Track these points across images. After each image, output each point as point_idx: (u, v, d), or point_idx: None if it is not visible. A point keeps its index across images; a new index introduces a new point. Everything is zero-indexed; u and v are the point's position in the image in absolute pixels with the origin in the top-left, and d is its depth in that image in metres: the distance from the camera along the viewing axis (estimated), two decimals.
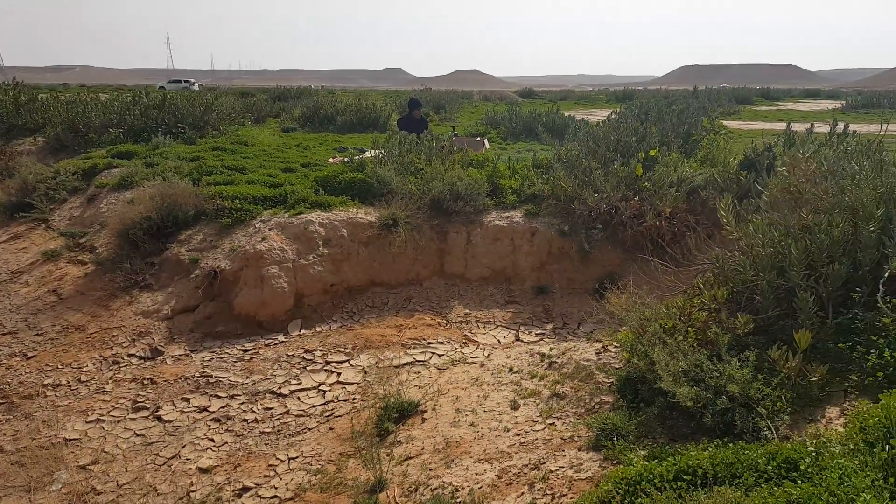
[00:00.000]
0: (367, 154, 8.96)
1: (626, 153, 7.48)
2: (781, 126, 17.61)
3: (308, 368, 5.33)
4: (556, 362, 4.16)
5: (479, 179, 7.37)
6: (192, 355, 5.73)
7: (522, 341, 5.82)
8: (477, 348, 5.62)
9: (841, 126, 7.52)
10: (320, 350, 5.65)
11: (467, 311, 6.42)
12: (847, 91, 51.50)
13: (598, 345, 4.09)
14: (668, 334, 3.39)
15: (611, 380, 3.59)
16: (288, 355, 5.59)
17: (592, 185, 6.86)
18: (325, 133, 15.61)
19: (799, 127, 8.11)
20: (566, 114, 16.63)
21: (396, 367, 5.26)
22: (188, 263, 6.73)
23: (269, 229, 6.76)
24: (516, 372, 4.31)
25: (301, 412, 4.59)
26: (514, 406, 3.74)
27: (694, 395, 2.88)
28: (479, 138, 13.12)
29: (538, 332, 6.03)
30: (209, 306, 6.33)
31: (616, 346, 3.98)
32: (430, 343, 5.73)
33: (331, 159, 10.09)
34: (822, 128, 8.91)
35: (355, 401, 4.66)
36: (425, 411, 4.02)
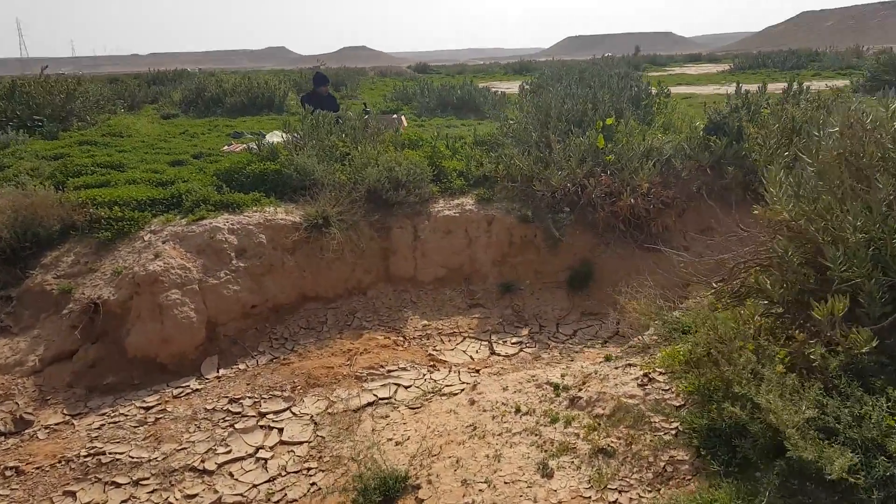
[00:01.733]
0: (275, 139, 7.56)
1: (581, 124, 6.61)
2: (704, 90, 17.66)
3: (237, 426, 4.06)
4: (579, 397, 3.19)
5: (419, 163, 6.24)
6: (75, 422, 4.28)
7: (500, 354, 4.83)
8: (450, 372, 4.56)
9: (796, 85, 7.05)
10: (250, 397, 4.37)
11: (425, 321, 5.34)
12: (721, 54, 54.13)
13: (636, 371, 3.17)
14: (758, 360, 2.50)
15: (674, 425, 2.68)
16: (207, 409, 4.27)
17: (554, 161, 5.93)
18: (213, 118, 13.75)
19: (706, 90, 7.56)
20: (481, 85, 15.70)
21: (355, 410, 4.10)
22: (58, 295, 5.16)
23: (164, 242, 5.31)
24: (526, 413, 3.30)
25: (238, 499, 3.35)
26: (545, 471, 2.74)
27: (847, 461, 1.99)
28: (394, 115, 11.90)
29: (514, 340, 5.06)
30: (92, 350, 4.84)
31: (661, 372, 3.08)
32: (389, 371, 4.61)
33: (226, 147, 8.57)
34: (733, 89, 8.45)
35: (311, 472, 3.47)
36: (419, 487, 2.93)
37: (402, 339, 5.11)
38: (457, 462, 3.07)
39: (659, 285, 4.92)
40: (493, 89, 16.01)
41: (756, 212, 3.36)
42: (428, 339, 5.10)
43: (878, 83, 14.29)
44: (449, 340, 5.09)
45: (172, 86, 18.95)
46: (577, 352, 4.72)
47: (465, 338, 5.13)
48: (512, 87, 20.91)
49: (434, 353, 4.89)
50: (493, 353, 4.88)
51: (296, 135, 6.92)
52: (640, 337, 3.71)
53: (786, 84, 6.83)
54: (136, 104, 15.90)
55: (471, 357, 4.83)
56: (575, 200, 5.75)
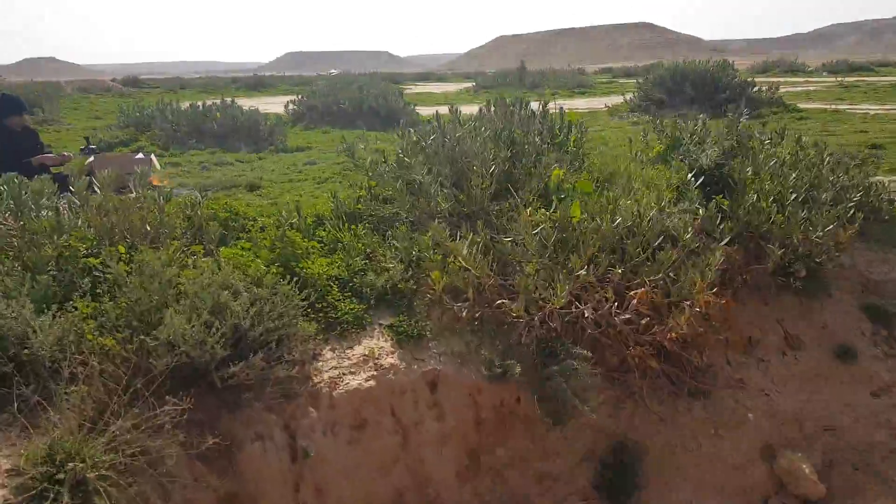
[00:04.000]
0: None
1: (513, 183, 4.11)
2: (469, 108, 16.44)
3: None
4: None
5: (264, 276, 3.07)
6: None
7: None
8: None
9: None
10: None
11: None
12: (441, 72, 56.48)
13: None
14: None
15: None
16: None
17: (523, 254, 3.31)
18: None
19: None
20: (247, 105, 12.20)
21: None
22: None
23: None
24: None
25: None
26: None
27: None
28: (139, 154, 7.98)
29: None
30: None
31: None
32: None
33: None
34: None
35: None
36: None
37: None
38: None
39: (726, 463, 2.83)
40: (263, 110, 12.62)
41: None
42: None
43: (654, 102, 14.67)
44: None
45: None
46: None
47: None
48: (270, 104, 17.52)
49: None
50: None
51: None
52: None
53: (544, 102, 5.25)
54: None
55: None
56: (576, 328, 3.21)
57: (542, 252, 3.24)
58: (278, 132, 10.96)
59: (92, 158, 7.34)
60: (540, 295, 2.96)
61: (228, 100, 12.09)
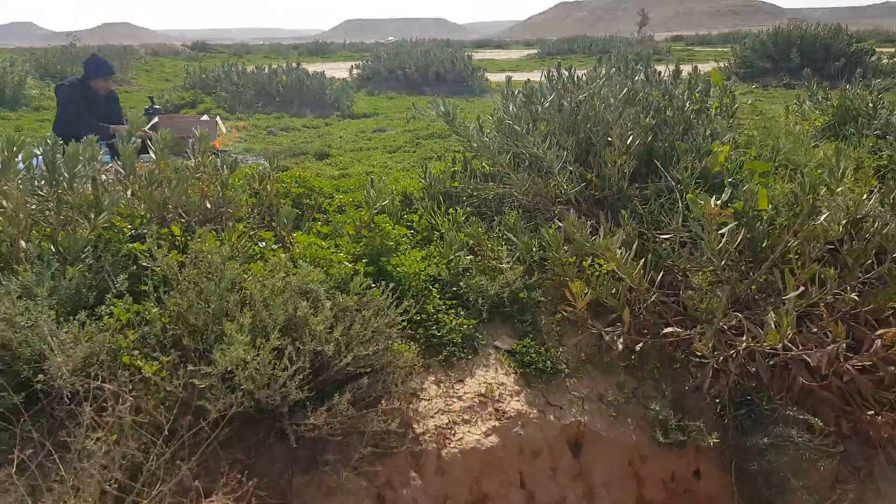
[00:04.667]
0: None
1: (661, 159, 3.21)
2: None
3: None
4: None
5: (347, 275, 2.33)
6: None
7: None
8: None
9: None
10: None
11: None
12: (500, 39, 54.29)
13: None
14: None
15: None
16: None
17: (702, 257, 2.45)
18: None
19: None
20: (311, 70, 11.51)
21: None
22: None
23: None
24: None
25: None
26: None
27: None
28: (205, 116, 7.42)
29: None
30: None
31: None
32: None
33: None
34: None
35: None
36: None
37: None
38: None
39: None
40: (328, 74, 11.93)
41: None
42: None
43: (757, 70, 13.19)
44: None
45: None
46: None
47: None
48: (334, 69, 16.84)
49: None
50: None
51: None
52: None
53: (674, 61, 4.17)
54: None
55: None
56: (785, 373, 2.33)
57: (721, 258, 2.36)
58: (344, 97, 10.24)
59: (156, 117, 6.82)
60: (730, 324, 2.10)
61: (294, 64, 11.42)
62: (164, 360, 1.95)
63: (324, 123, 8.88)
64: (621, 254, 2.41)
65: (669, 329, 2.39)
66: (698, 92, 4.04)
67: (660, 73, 4.16)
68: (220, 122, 7.29)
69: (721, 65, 13.37)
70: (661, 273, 2.55)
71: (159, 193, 2.72)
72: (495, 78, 15.70)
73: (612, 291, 2.46)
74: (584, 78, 3.68)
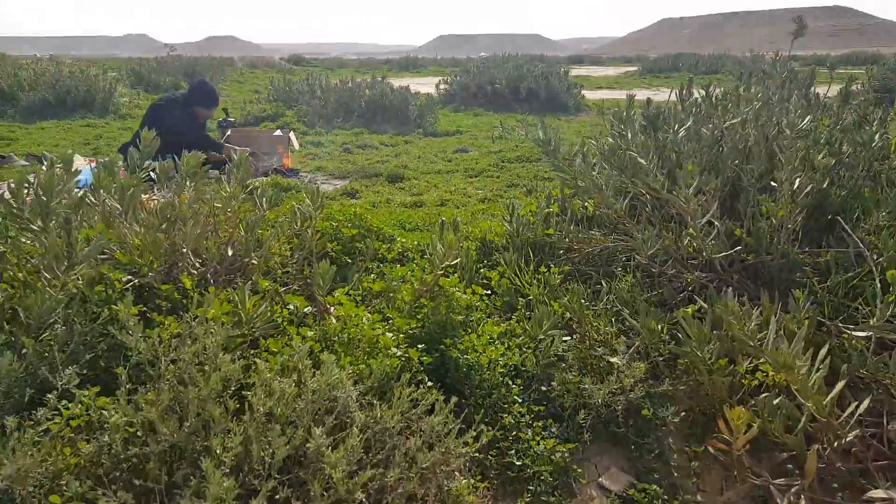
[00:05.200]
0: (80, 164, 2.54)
1: (838, 211, 2.34)
2: (641, 96, 13.99)
3: None
4: None
5: (391, 374, 1.62)
6: None
7: None
8: None
9: None
10: None
11: None
12: (595, 55, 52.64)
13: None
14: None
15: None
16: None
17: None
18: None
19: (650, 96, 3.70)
20: (396, 84, 11.06)
21: None
22: None
23: None
24: None
25: None
26: None
27: None
28: (278, 131, 7.02)
29: None
30: None
31: None
32: None
33: None
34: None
35: None
36: None
37: None
38: None
39: None
40: (414, 89, 11.47)
41: None
42: None
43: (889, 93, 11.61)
44: None
45: None
46: None
47: None
48: (422, 84, 16.46)
49: None
50: None
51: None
52: None
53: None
54: None
55: None
56: None
57: None
58: (427, 113, 9.69)
59: (228, 131, 6.48)
60: None
61: (379, 77, 11.02)
62: None
63: (403, 141, 8.34)
64: (802, 365, 1.56)
65: (878, 494, 1.52)
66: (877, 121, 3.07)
67: (820, 95, 3.22)
68: (293, 137, 6.87)
69: (854, 87, 11.86)
70: (856, 392, 1.67)
71: (166, 237, 2.12)
72: (591, 95, 14.76)
73: (786, 419, 1.61)
74: (727, 98, 2.82)
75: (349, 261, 2.58)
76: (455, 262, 2.07)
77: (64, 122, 8.98)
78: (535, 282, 2.35)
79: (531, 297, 2.28)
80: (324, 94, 10.08)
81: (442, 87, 13.57)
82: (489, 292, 2.41)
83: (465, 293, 2.15)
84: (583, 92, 13.27)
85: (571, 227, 2.71)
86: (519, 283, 2.38)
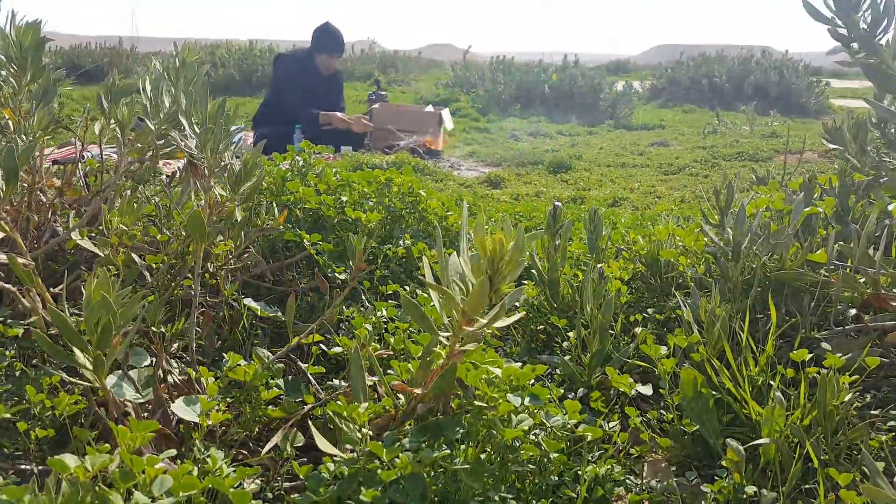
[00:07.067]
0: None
1: None
2: None
3: None
4: None
5: None
6: None
7: None
8: None
9: None
10: None
11: None
12: (828, 67, 44.75)
13: None
14: None
15: None
16: None
17: None
18: None
19: None
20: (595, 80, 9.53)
21: None
22: None
23: None
24: None
25: None
26: None
27: None
28: (429, 107, 5.99)
29: None
30: None
31: None
32: None
33: None
34: None
35: None
36: None
37: None
38: None
39: None
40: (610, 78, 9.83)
41: None
42: None
43: None
44: None
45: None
46: None
47: None
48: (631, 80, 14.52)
49: None
50: None
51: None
52: None
53: None
54: None
55: None
56: None
57: None
58: (623, 104, 8.05)
59: (373, 106, 5.62)
60: None
61: (571, 58, 9.59)
62: None
63: (587, 132, 6.85)
64: None
65: None
66: None
67: None
68: (445, 115, 5.77)
69: None
70: None
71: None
72: (844, 103, 11.72)
73: None
74: None
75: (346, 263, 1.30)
76: (514, 318, 0.68)
77: (249, 99, 8.90)
78: (774, 389, 0.86)
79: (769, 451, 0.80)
80: (500, 80, 8.92)
81: (648, 81, 11.73)
82: (649, 395, 0.96)
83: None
84: (826, 91, 10.54)
85: (870, 250, 1.14)
86: (735, 392, 0.90)
